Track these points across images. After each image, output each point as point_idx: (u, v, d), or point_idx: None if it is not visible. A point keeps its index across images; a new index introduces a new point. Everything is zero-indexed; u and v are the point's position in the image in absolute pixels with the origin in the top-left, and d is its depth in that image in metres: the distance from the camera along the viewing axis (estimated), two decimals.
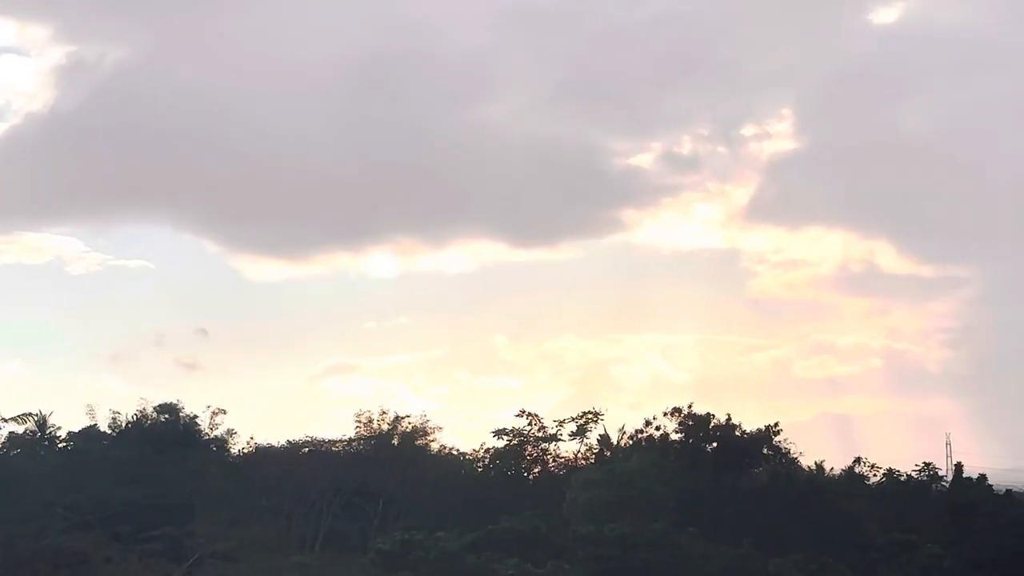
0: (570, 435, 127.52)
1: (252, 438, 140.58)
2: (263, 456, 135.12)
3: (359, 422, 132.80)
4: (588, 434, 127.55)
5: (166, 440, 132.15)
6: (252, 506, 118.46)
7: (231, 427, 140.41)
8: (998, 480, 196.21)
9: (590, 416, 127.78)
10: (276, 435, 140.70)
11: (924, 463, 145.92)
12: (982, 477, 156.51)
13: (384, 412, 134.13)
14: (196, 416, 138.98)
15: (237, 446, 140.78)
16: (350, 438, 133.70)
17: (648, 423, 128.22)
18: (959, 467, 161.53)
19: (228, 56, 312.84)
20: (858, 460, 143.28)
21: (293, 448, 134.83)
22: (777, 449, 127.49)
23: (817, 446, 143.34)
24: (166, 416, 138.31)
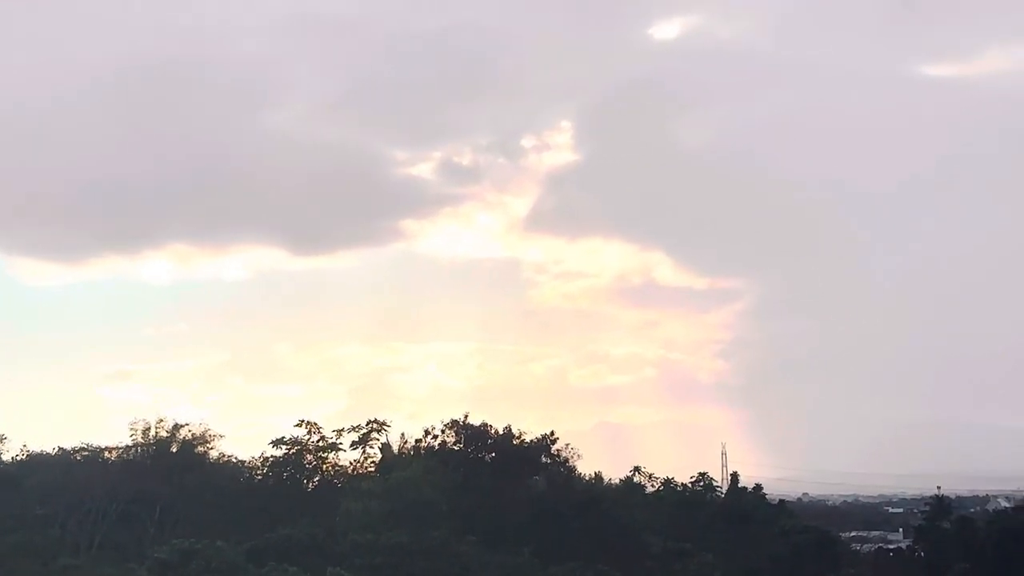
0: (352, 445, 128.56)
1: (25, 445, 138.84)
2: (36, 463, 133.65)
3: (135, 430, 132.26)
4: (371, 444, 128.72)
5: None
6: (25, 514, 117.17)
7: (1, 433, 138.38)
8: (772, 489, 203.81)
9: (374, 426, 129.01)
10: (50, 442, 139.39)
11: (700, 473, 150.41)
12: (757, 487, 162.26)
13: (162, 420, 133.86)
14: None
15: (9, 453, 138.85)
16: (127, 445, 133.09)
17: (427, 433, 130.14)
18: (734, 477, 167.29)
19: (1, 60, 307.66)
20: (636, 469, 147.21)
21: (67, 455, 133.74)
22: (555, 458, 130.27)
23: (596, 455, 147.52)
24: None
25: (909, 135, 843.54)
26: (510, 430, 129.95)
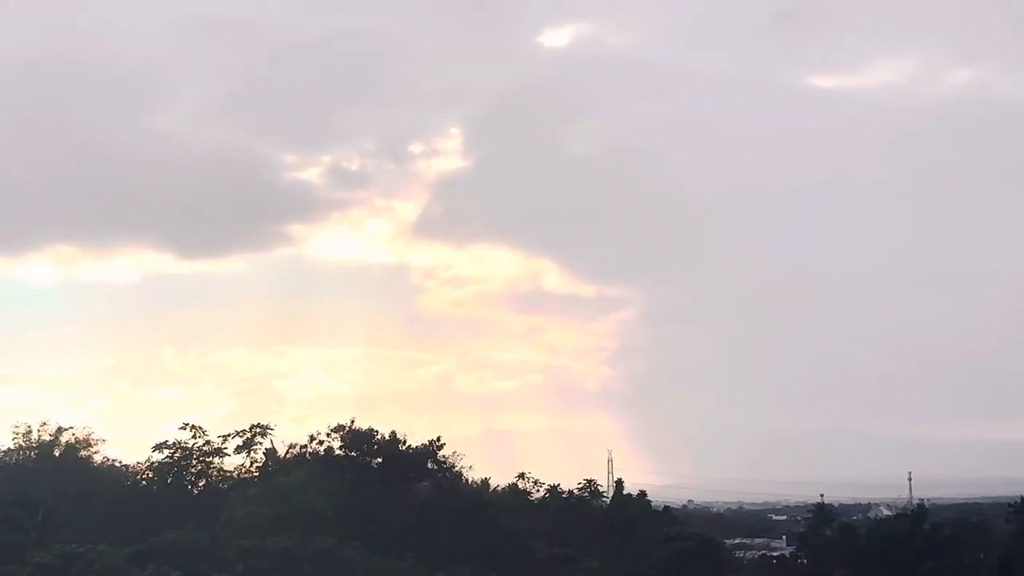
0: (236, 449, 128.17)
1: None
2: None
3: (16, 433, 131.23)
4: (255, 448, 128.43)
5: None
6: None
7: None
8: (657, 496, 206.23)
9: (257, 430, 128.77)
10: None
11: (586, 480, 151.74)
12: (641, 493, 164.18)
13: (45, 423, 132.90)
14: None
15: None
16: (8, 449, 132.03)
17: (313, 438, 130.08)
18: (619, 483, 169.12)
19: None
20: (522, 475, 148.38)
21: None
22: (442, 463, 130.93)
23: (482, 461, 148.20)
24: None
25: (795, 145, 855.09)
26: (396, 435, 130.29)
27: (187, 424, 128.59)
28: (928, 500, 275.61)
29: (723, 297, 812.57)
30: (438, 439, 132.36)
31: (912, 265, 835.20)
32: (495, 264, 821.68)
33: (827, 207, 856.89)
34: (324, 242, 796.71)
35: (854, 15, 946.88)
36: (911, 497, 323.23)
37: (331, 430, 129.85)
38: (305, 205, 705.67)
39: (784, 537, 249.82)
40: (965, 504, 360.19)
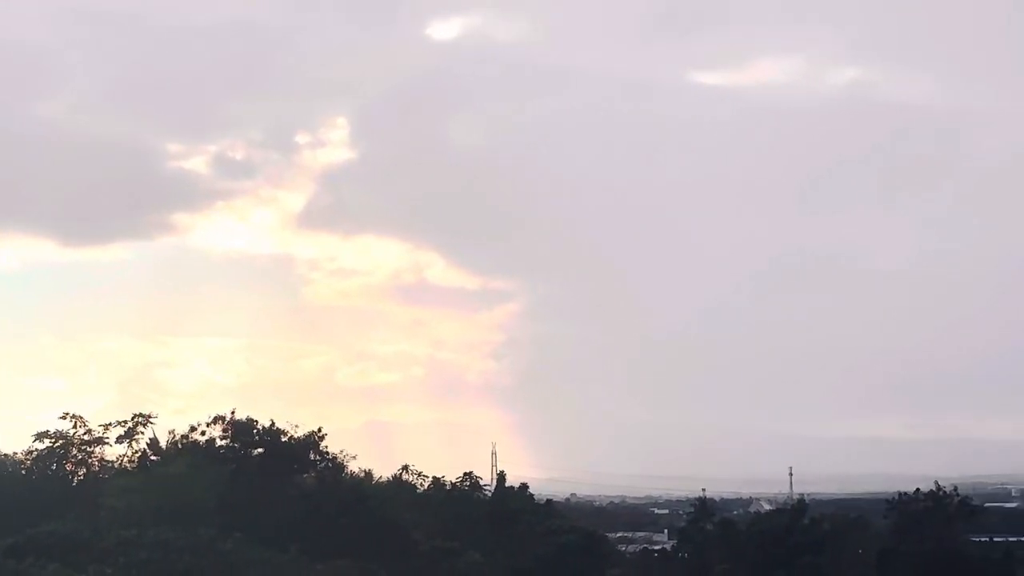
0: (117, 439, 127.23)
1: None
2: None
3: None
4: (137, 438, 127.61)
5: None
6: None
7: None
8: (541, 490, 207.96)
9: (139, 420, 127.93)
10: None
11: (466, 472, 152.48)
12: (523, 486, 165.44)
13: None
14: None
15: None
16: None
17: (194, 428, 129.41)
18: (501, 476, 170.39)
19: None
20: (405, 468, 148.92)
21: None
22: (324, 455, 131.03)
23: (366, 453, 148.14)
24: None
25: (680, 142, 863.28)
26: (277, 427, 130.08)
27: (68, 413, 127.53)
28: (808, 495, 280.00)
29: (607, 293, 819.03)
30: (320, 430, 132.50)
31: (793, 263, 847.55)
32: (381, 256, 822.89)
33: (709, 204, 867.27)
34: (209, 232, 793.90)
35: (740, 11, 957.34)
36: (791, 492, 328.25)
37: (212, 420, 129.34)
38: (190, 194, 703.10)
39: (666, 531, 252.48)
40: (844, 500, 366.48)
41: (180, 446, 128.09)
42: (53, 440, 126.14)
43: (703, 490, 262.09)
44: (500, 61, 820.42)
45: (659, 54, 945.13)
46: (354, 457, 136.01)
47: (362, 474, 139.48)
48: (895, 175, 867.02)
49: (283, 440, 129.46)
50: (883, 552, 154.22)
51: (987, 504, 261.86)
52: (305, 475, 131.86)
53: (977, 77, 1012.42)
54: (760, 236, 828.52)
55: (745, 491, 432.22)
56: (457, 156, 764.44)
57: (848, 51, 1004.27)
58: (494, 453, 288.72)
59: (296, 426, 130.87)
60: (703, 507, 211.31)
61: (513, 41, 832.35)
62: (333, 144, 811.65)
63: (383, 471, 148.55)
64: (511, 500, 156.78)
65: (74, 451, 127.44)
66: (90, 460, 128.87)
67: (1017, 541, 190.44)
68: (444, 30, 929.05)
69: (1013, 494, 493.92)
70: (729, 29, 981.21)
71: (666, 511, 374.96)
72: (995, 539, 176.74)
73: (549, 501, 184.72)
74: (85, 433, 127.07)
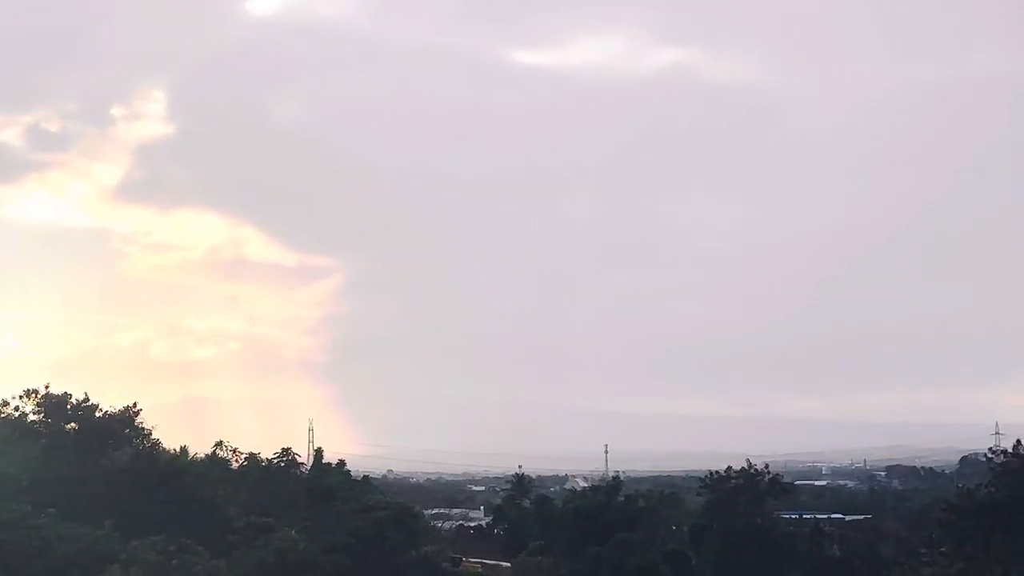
0: None
1: None
2: None
3: None
4: None
5: None
6: None
7: None
8: (358, 466, 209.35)
9: None
10: None
11: (283, 449, 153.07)
12: (340, 463, 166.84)
13: None
14: None
15: None
16: None
17: (5, 403, 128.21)
18: (319, 452, 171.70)
19: None
20: (220, 444, 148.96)
21: None
22: (139, 431, 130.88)
23: (181, 429, 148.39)
24: None
25: (500, 119, 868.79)
26: (91, 402, 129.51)
27: None
28: (623, 472, 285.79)
29: (425, 271, 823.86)
30: (135, 405, 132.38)
31: (609, 242, 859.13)
32: (199, 231, 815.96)
33: (528, 183, 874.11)
34: (21, 204, 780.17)
35: None
36: (607, 469, 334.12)
37: (24, 395, 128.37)
38: (2, 166, 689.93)
39: (483, 507, 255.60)
40: (659, 477, 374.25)
41: None
42: None
43: (519, 467, 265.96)
44: (320, 36, 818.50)
45: (481, 31, 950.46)
46: (168, 434, 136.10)
47: (177, 450, 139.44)
48: (713, 154, 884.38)
49: (97, 416, 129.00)
50: (695, 527, 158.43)
51: (798, 481, 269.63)
52: (120, 451, 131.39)
53: (793, 59, 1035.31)
54: (578, 215, 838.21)
55: (561, 468, 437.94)
56: (276, 131, 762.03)
57: (667, 33, 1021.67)
58: (311, 429, 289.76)
59: (110, 404, 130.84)
60: (519, 484, 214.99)
61: (335, 16, 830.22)
62: (150, 117, 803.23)
63: (200, 447, 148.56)
64: (328, 476, 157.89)
65: None
66: None
67: (827, 518, 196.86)
68: (265, 3, 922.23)
69: (824, 472, 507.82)
70: (551, 8, 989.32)
71: (483, 488, 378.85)
72: (805, 515, 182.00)
73: (366, 477, 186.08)
74: None
